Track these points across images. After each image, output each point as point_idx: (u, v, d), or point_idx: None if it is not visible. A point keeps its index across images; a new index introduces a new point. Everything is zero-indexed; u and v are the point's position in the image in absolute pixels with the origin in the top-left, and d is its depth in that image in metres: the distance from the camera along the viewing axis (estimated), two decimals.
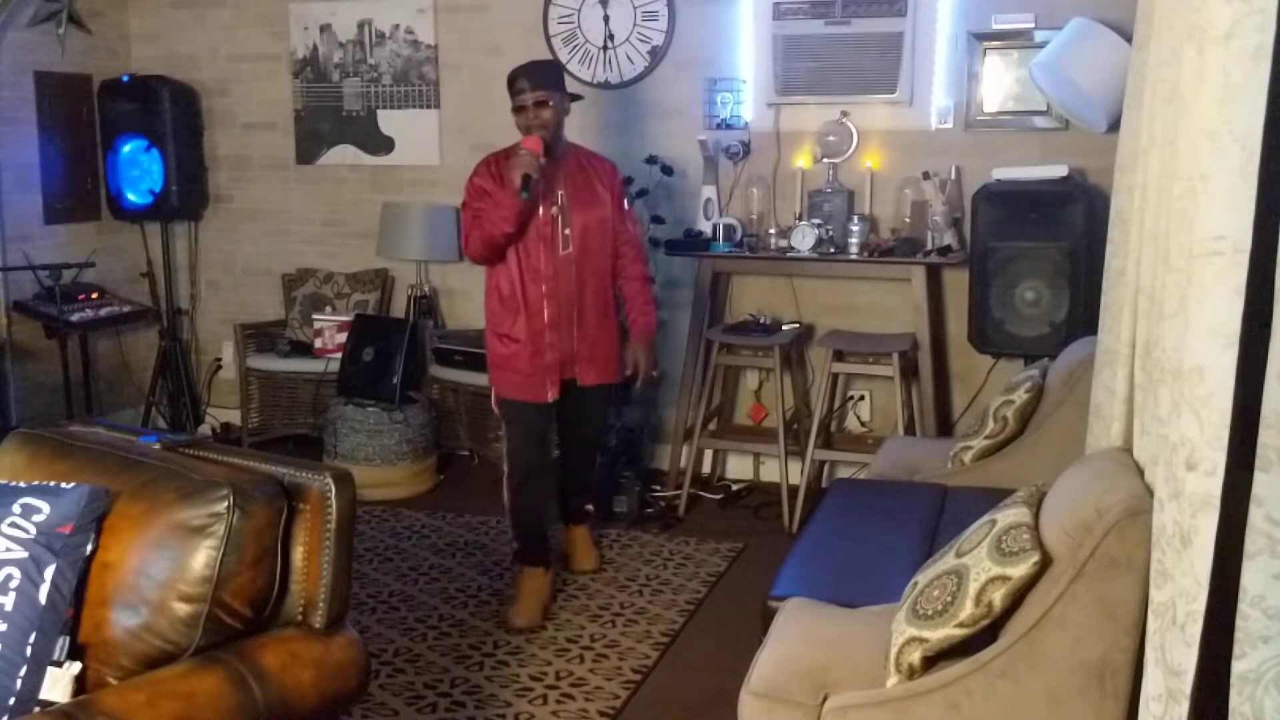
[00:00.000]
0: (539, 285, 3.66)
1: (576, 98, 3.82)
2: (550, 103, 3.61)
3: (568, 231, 3.67)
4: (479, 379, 5.02)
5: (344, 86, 5.65)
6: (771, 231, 4.77)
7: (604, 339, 3.79)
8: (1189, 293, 1.63)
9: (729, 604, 3.88)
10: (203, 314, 6.11)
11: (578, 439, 4.01)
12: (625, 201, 3.88)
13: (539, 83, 3.61)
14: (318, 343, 5.53)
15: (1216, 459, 1.55)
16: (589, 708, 3.18)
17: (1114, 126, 3.35)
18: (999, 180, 4.32)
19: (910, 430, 4.59)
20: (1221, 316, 1.55)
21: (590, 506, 4.21)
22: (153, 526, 1.95)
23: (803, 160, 4.85)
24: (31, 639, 1.86)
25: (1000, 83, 4.64)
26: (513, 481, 3.81)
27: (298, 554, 2.04)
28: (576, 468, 4.08)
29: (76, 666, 1.92)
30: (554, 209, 3.66)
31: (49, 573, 1.89)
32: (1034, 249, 4.21)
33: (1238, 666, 1.54)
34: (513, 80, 3.64)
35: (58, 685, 1.88)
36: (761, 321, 4.85)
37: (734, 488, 5.04)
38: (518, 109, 3.63)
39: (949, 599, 2.06)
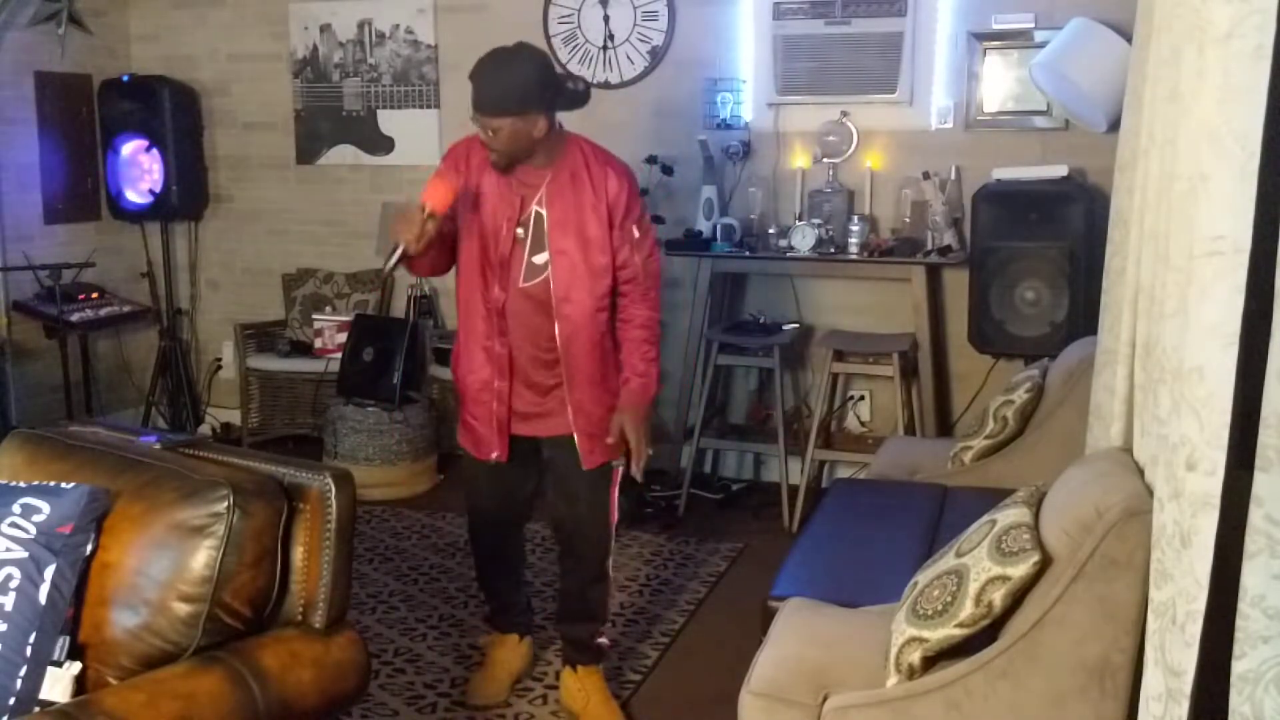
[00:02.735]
0: (487, 321, 2.89)
1: (578, 100, 2.88)
2: (504, 130, 2.72)
3: (540, 258, 2.82)
4: None
5: (344, 86, 5.65)
6: (771, 231, 4.78)
7: (599, 405, 2.93)
8: (1189, 293, 1.63)
9: (729, 604, 3.88)
10: (203, 314, 6.11)
11: (571, 535, 3.08)
12: (635, 223, 2.90)
13: (491, 106, 2.71)
14: (318, 343, 5.53)
15: (1216, 459, 1.55)
16: None
17: (1114, 126, 3.34)
18: (999, 180, 4.32)
19: (910, 430, 4.59)
20: (1221, 316, 1.55)
21: (603, 640, 3.20)
22: (153, 526, 1.95)
23: (803, 160, 4.85)
24: (31, 639, 1.86)
25: (1000, 83, 4.63)
26: (471, 530, 3.24)
27: (298, 554, 2.04)
28: (574, 580, 3.14)
29: (76, 666, 1.92)
30: (518, 229, 2.82)
31: (49, 573, 1.89)
32: (1034, 249, 4.21)
33: (1238, 666, 1.54)
34: (472, 83, 2.76)
35: (58, 685, 1.88)
36: (761, 321, 4.85)
37: (734, 488, 5.04)
38: (481, 143, 2.82)
39: (949, 599, 2.06)
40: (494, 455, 2.97)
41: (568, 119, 2.92)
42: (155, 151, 5.60)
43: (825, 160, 4.79)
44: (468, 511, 3.22)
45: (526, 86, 2.72)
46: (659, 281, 3.01)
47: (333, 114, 5.68)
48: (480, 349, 2.91)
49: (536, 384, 2.93)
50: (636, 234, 2.90)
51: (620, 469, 3.02)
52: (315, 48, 5.67)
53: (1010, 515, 2.14)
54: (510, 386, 2.92)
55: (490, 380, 2.92)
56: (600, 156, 2.91)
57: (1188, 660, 1.60)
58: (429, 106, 5.50)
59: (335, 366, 5.24)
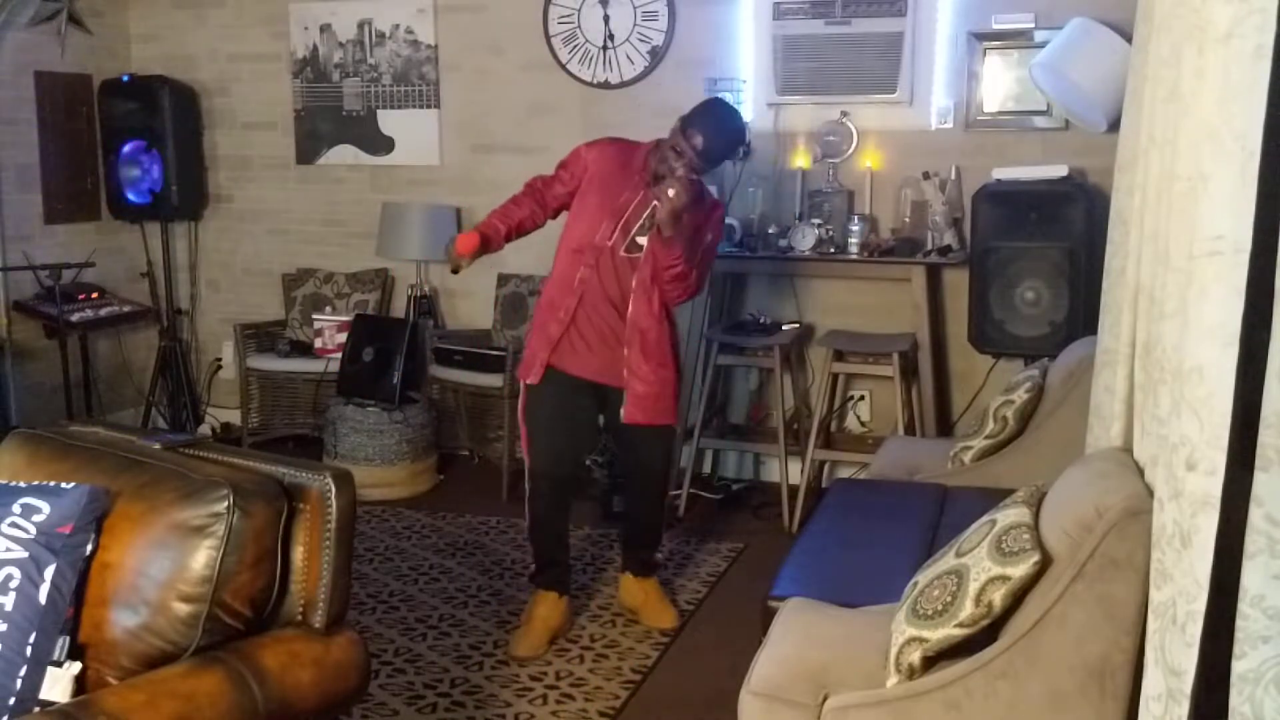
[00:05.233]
0: (562, 288, 3.48)
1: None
2: (697, 176, 3.39)
3: (641, 240, 3.40)
4: (479, 379, 5.03)
5: (344, 86, 5.64)
6: (772, 231, 4.77)
7: (656, 375, 3.48)
8: (1189, 293, 1.63)
9: (729, 604, 3.88)
10: (203, 314, 6.11)
11: (630, 472, 3.75)
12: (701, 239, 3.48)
13: (712, 160, 3.44)
14: (318, 343, 5.53)
15: (1216, 459, 1.54)
16: (589, 708, 3.18)
17: (1114, 126, 3.34)
18: (999, 180, 4.32)
19: (910, 430, 4.59)
20: (1221, 316, 1.55)
21: (660, 555, 3.93)
22: (153, 526, 1.95)
23: (803, 160, 4.84)
24: (31, 639, 1.86)
25: (1000, 83, 4.64)
26: (532, 491, 3.58)
27: (298, 554, 2.04)
28: (633, 509, 3.82)
29: (76, 666, 1.92)
30: (641, 224, 3.41)
31: (49, 573, 1.89)
32: (1034, 249, 4.21)
33: (1238, 666, 1.54)
34: (694, 129, 3.33)
35: (58, 685, 1.88)
36: (761, 321, 4.85)
37: (734, 488, 5.04)
38: (675, 149, 3.33)
39: (949, 599, 2.06)
40: (531, 376, 3.49)
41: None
42: (155, 151, 5.60)
43: (825, 160, 4.79)
44: (531, 476, 3.55)
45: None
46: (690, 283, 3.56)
47: (333, 114, 5.68)
48: (562, 296, 3.46)
49: (603, 340, 3.45)
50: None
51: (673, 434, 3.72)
52: (315, 48, 5.67)
53: (1010, 515, 2.14)
54: (565, 334, 3.45)
55: (552, 318, 3.47)
56: (710, 201, 3.61)
57: (1188, 660, 1.60)
58: (429, 106, 5.50)
59: (335, 366, 5.24)
